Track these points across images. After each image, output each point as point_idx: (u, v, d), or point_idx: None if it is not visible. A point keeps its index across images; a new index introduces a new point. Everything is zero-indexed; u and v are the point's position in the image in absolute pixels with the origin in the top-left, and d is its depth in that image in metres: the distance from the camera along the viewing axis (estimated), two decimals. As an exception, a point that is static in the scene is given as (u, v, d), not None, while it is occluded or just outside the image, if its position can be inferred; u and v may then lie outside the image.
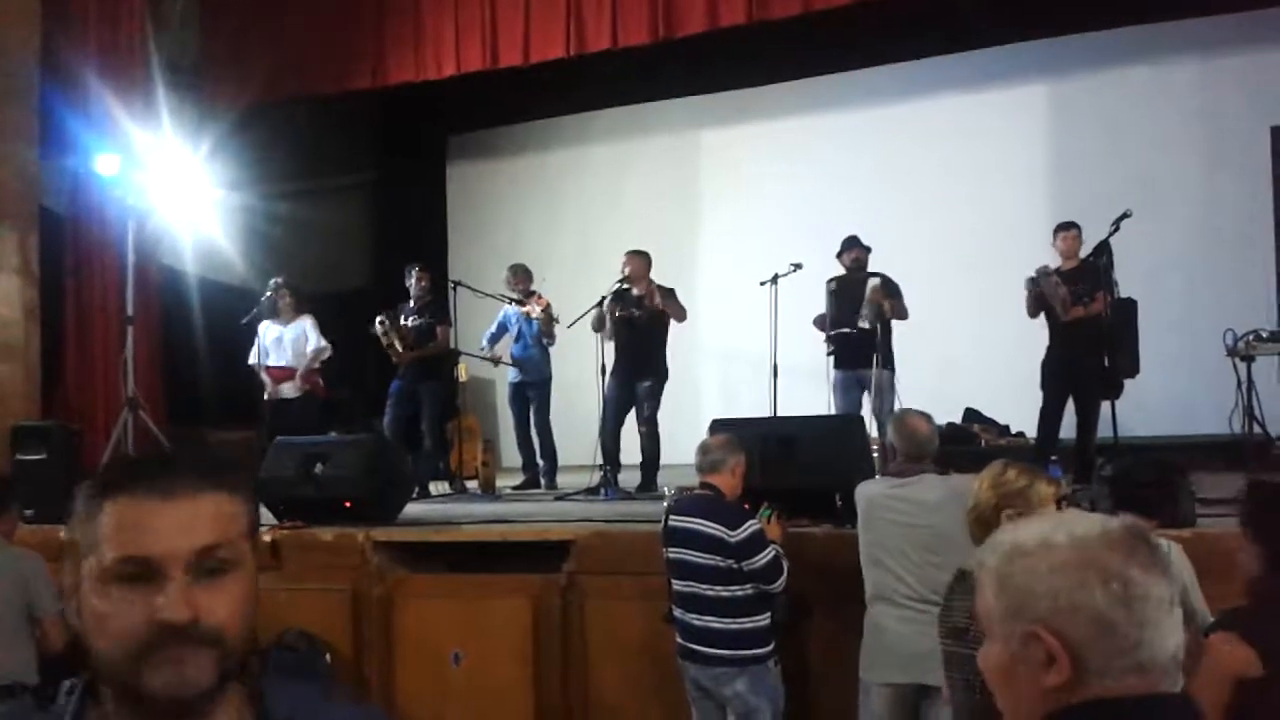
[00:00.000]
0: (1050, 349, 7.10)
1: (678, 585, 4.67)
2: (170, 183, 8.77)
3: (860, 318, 7.39)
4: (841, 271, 7.83)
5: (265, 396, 8.53)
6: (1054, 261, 7.11)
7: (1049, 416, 7.02)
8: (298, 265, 10.01)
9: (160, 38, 9.73)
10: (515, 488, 8.54)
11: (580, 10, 9.05)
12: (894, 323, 7.46)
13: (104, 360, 9.00)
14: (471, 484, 8.53)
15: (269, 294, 8.65)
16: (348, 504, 6.30)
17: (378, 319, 8.35)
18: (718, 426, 5.87)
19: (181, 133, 9.27)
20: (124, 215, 8.55)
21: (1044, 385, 7.07)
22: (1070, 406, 6.95)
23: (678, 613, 4.68)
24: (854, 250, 7.74)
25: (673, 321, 8.00)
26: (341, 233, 11.78)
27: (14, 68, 8.81)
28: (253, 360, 8.64)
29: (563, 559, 5.71)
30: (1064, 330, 6.96)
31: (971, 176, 9.76)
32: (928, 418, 4.51)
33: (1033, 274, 7.03)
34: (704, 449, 4.78)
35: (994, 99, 9.87)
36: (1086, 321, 6.83)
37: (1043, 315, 7.08)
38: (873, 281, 7.44)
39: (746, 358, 9.50)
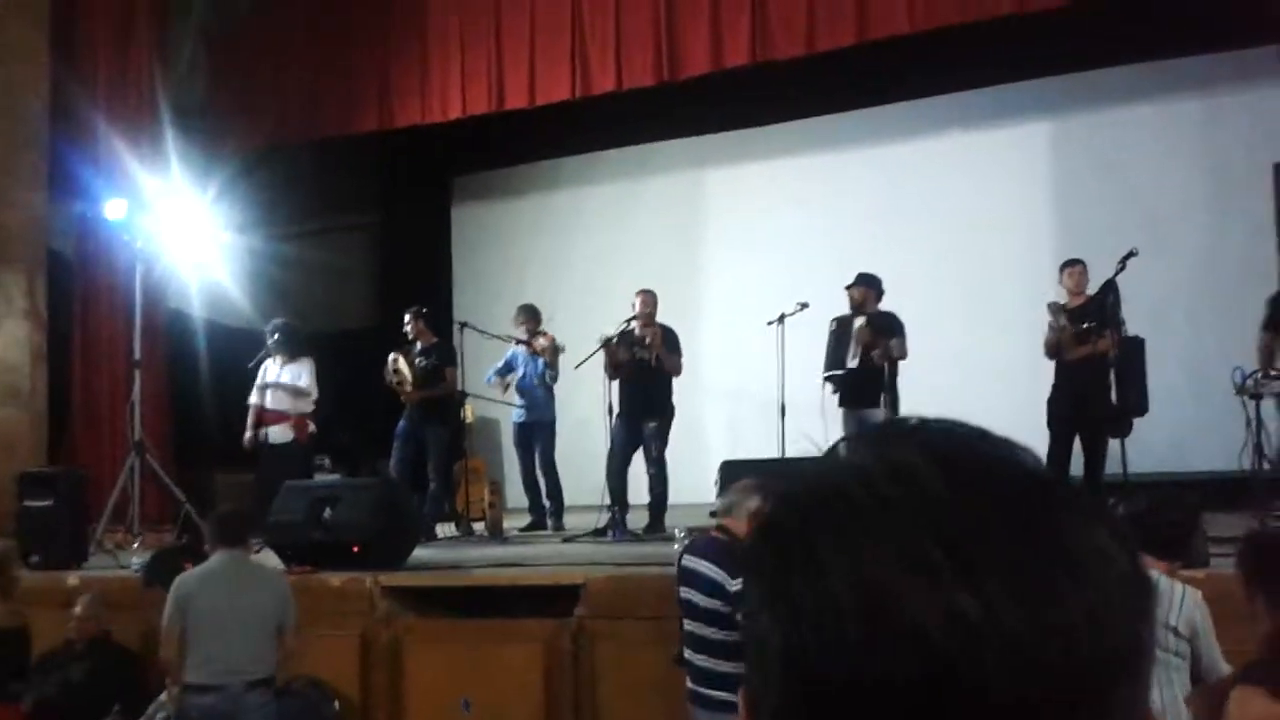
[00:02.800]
0: (1056, 387, 7.08)
1: (688, 625, 4.64)
2: (177, 226, 8.81)
3: (849, 356, 7.38)
4: (847, 309, 7.83)
5: (247, 435, 8.51)
6: (1060, 298, 7.12)
7: (1058, 457, 6.97)
8: (303, 306, 10.06)
9: (168, 82, 9.81)
10: (522, 529, 8.51)
11: (585, 53, 9.14)
12: (900, 361, 7.45)
13: (110, 404, 9.02)
14: (478, 526, 8.51)
15: (268, 335, 8.67)
16: (356, 548, 6.28)
17: (390, 357, 8.36)
18: (727, 468, 5.87)
19: (188, 176, 9.32)
20: (132, 259, 8.58)
21: (1050, 424, 7.03)
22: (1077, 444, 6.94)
23: (687, 654, 4.64)
24: (857, 288, 7.73)
25: (677, 362, 8.01)
26: (347, 274, 11.83)
27: (22, 112, 8.90)
28: (252, 400, 8.64)
29: (573, 603, 5.68)
30: (1070, 369, 6.96)
31: (975, 214, 9.79)
32: None
33: (1049, 312, 7.02)
34: (725, 491, 4.75)
35: (997, 137, 9.92)
36: (1093, 359, 6.85)
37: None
38: (858, 322, 7.44)
39: (752, 397, 9.50)
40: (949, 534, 0.53)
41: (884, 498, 0.55)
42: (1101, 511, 0.57)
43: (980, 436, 0.60)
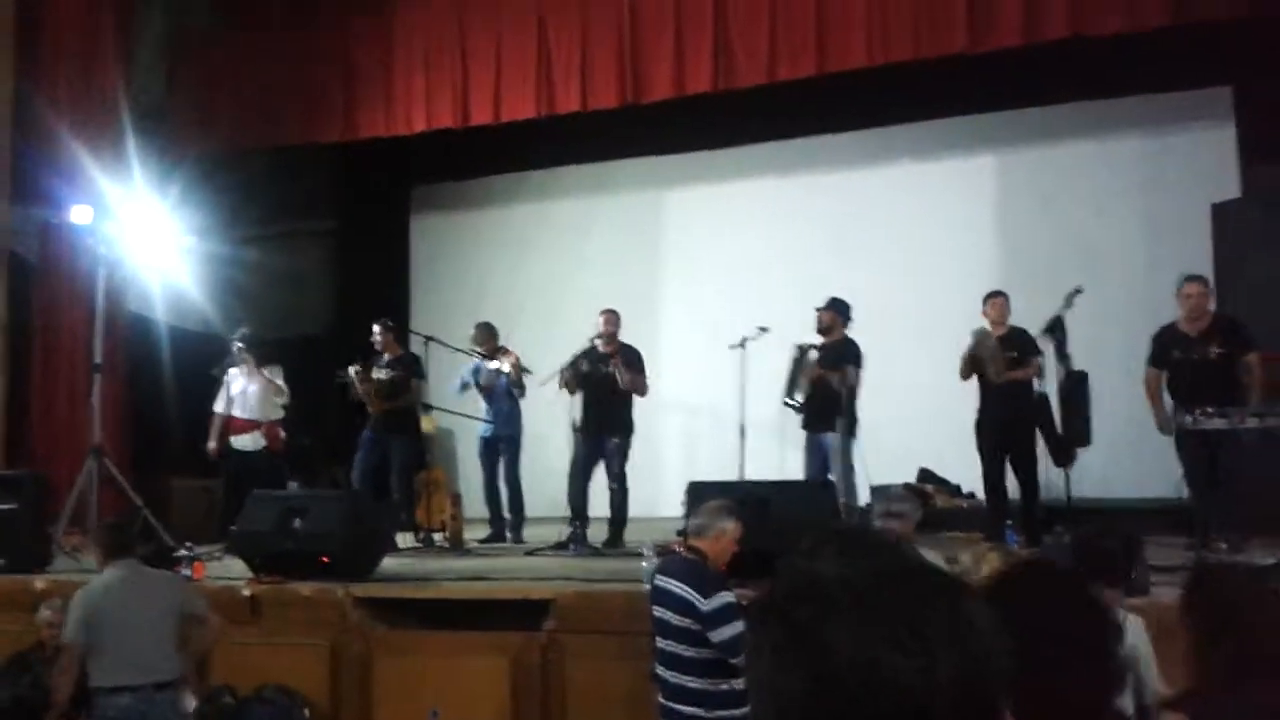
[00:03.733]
0: (982, 411, 7.39)
1: (660, 643, 4.82)
2: (139, 231, 8.81)
3: (797, 389, 7.60)
4: (807, 334, 8.02)
5: (211, 444, 8.57)
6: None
7: (992, 478, 7.32)
8: (262, 312, 10.09)
9: (130, 88, 9.80)
10: (482, 541, 8.63)
11: (550, 73, 9.31)
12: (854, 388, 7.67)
13: (69, 408, 8.99)
14: (438, 536, 8.62)
15: (233, 344, 8.74)
16: (325, 559, 6.38)
17: (351, 368, 8.46)
18: (695, 489, 6.06)
19: (150, 181, 9.33)
20: (94, 263, 8.57)
21: (980, 448, 7.38)
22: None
23: (659, 670, 4.83)
24: (826, 311, 7.86)
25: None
26: (305, 280, 11.85)
27: (-15, 114, 8.85)
28: (218, 408, 8.69)
29: (541, 617, 5.84)
30: (996, 392, 7.27)
31: (924, 241, 10.12)
32: (904, 486, 4.76)
33: (970, 337, 7.36)
34: (696, 513, 4.92)
35: (946, 167, 10.27)
36: (1018, 384, 7.19)
37: (975, 378, 7.39)
38: (811, 355, 7.62)
39: (709, 416, 9.74)
40: (908, 622, 0.87)
41: (858, 595, 0.89)
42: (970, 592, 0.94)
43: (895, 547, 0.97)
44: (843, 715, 0.86)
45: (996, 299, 7.51)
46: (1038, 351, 7.13)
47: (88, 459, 8.14)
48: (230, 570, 6.92)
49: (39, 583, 6.66)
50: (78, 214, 8.44)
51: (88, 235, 8.55)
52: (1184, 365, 6.61)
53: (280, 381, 8.71)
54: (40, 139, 9.14)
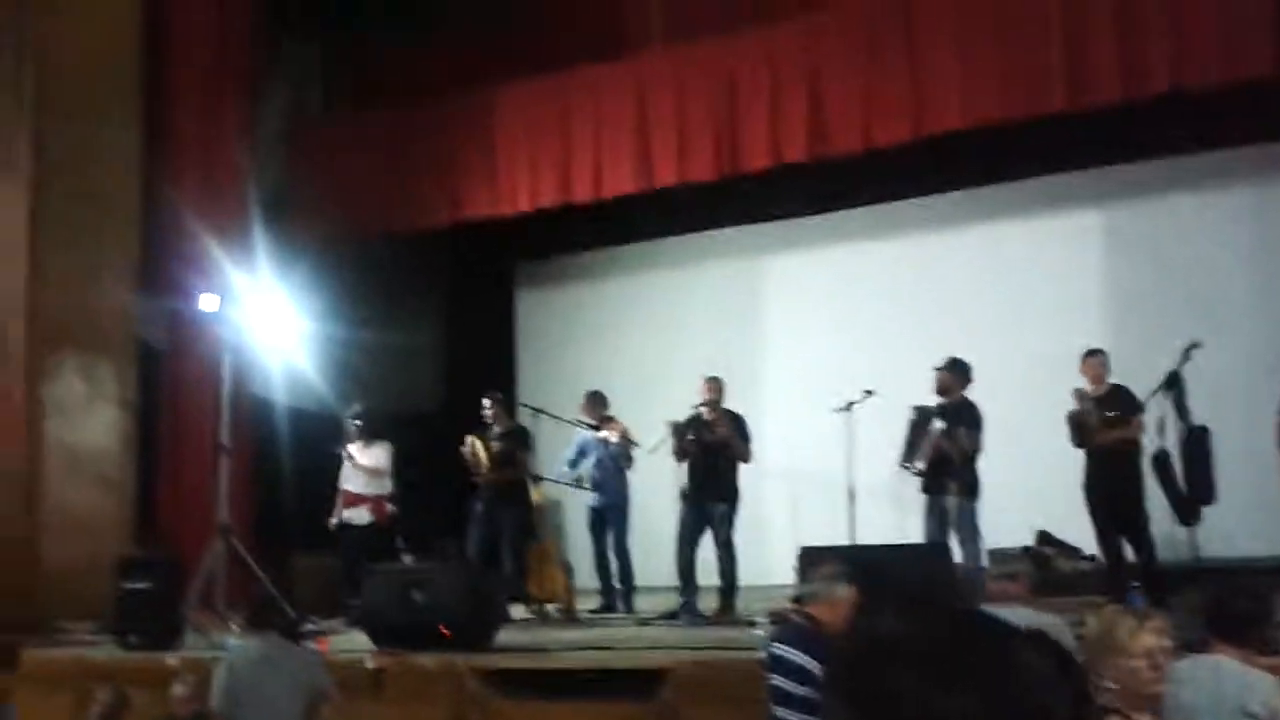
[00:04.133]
0: (1087, 473, 7.26)
1: (777, 712, 4.80)
2: (262, 316, 9.19)
3: (919, 457, 7.52)
4: (928, 397, 7.91)
5: (333, 520, 8.83)
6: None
7: (1106, 541, 7.15)
8: (376, 390, 10.38)
9: (252, 175, 10.29)
10: (593, 611, 8.69)
11: (649, 148, 9.51)
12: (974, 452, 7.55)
13: (196, 489, 9.33)
14: (551, 607, 8.70)
15: (349, 420, 9.02)
16: (445, 629, 6.50)
17: (468, 439, 8.66)
18: (807, 554, 6.06)
19: (272, 267, 9.75)
20: (219, 348, 8.95)
21: (1091, 512, 7.24)
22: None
23: (777, 740, 4.80)
24: (944, 371, 7.75)
25: (743, 444, 8.21)
26: (416, 358, 12.17)
27: (115, 209, 9.36)
28: (342, 484, 8.95)
29: (657, 686, 5.86)
30: (1099, 454, 7.15)
31: (1030, 302, 9.99)
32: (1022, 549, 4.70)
33: (1073, 402, 7.23)
34: (809, 578, 4.92)
35: (1049, 226, 10.15)
36: (1122, 444, 7.05)
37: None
38: (936, 425, 7.50)
39: (814, 481, 9.68)
40: (962, 667, 0.96)
41: (916, 647, 0.98)
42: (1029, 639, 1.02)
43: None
44: None
45: (1093, 358, 7.38)
46: (1140, 409, 6.97)
47: (215, 538, 8.44)
48: (353, 643, 7.09)
49: (171, 660, 6.90)
50: (205, 301, 8.85)
51: (214, 321, 8.95)
52: None
53: (385, 461, 8.91)
54: (167, 229, 9.63)
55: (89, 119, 9.17)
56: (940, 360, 7.83)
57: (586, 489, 8.91)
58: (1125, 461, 7.04)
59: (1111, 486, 7.06)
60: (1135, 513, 6.99)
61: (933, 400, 7.71)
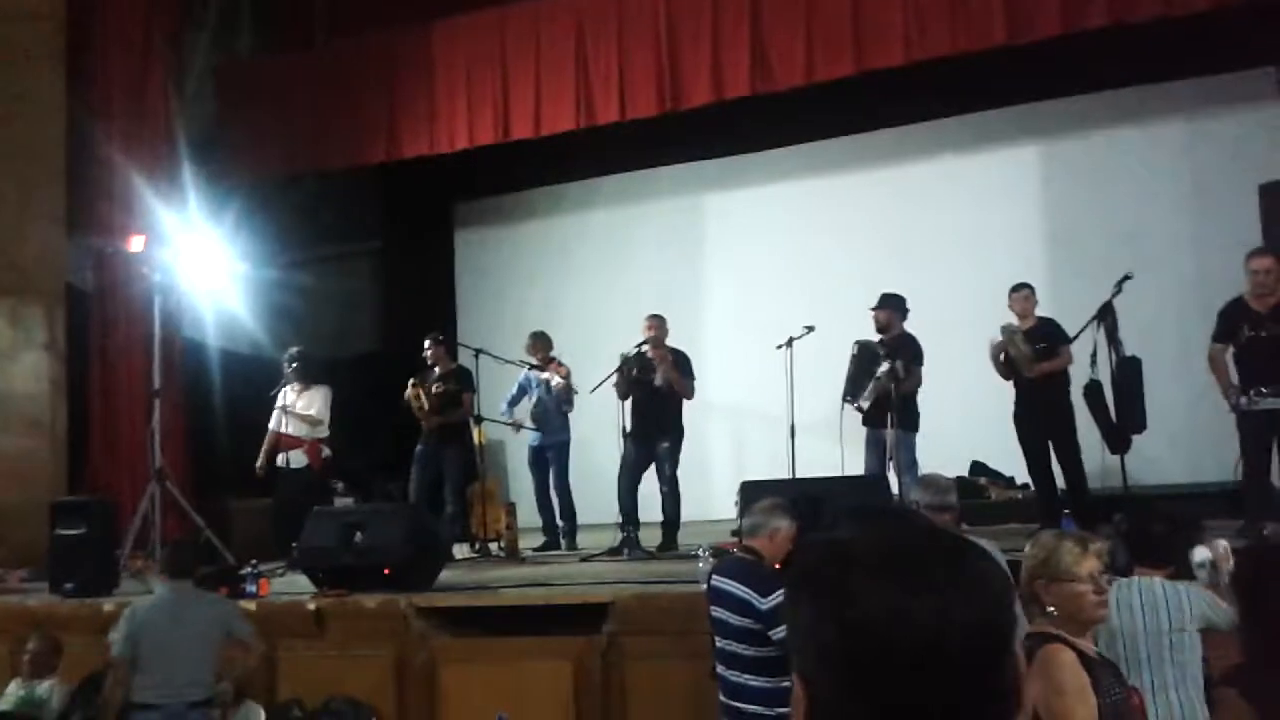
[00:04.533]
0: (1018, 404, 7.39)
1: (719, 643, 4.84)
2: (192, 257, 8.99)
3: (864, 396, 7.57)
4: (869, 331, 7.96)
5: (259, 464, 8.72)
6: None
7: (1037, 470, 7.30)
8: (312, 333, 10.26)
9: (181, 114, 10.02)
10: (536, 549, 8.71)
11: (589, 84, 9.37)
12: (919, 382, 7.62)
13: (129, 433, 9.18)
14: (494, 546, 8.71)
15: (286, 363, 8.88)
16: (386, 571, 6.48)
17: (410, 381, 8.58)
18: (747, 488, 6.10)
19: (202, 207, 9.53)
20: (149, 291, 8.76)
21: (1021, 441, 7.38)
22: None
23: (719, 669, 4.85)
24: (882, 310, 7.84)
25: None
26: (354, 300, 12.03)
27: (40, 150, 9.09)
28: (271, 425, 8.83)
29: (601, 620, 5.90)
30: (1029, 385, 7.27)
31: (969, 235, 10.08)
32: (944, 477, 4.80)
33: (998, 336, 7.32)
34: (749, 512, 4.94)
35: (988, 160, 10.23)
36: (1052, 376, 7.17)
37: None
38: (884, 367, 7.52)
39: (757, 417, 9.75)
40: (921, 572, 1.01)
41: (876, 553, 1.03)
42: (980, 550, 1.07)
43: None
44: (871, 653, 0.99)
45: (1019, 292, 7.48)
46: (1067, 340, 7.09)
47: (150, 483, 8.32)
48: (294, 586, 7.04)
49: (108, 605, 6.81)
50: (133, 243, 8.64)
51: (142, 263, 8.75)
52: (1254, 342, 6.44)
53: (320, 405, 8.77)
54: (95, 168, 9.37)
55: (13, 62, 8.87)
56: (875, 300, 7.87)
57: (528, 428, 8.89)
58: (1055, 391, 7.15)
59: (1042, 417, 7.19)
60: (1066, 442, 7.12)
61: (874, 337, 7.76)
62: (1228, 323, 6.58)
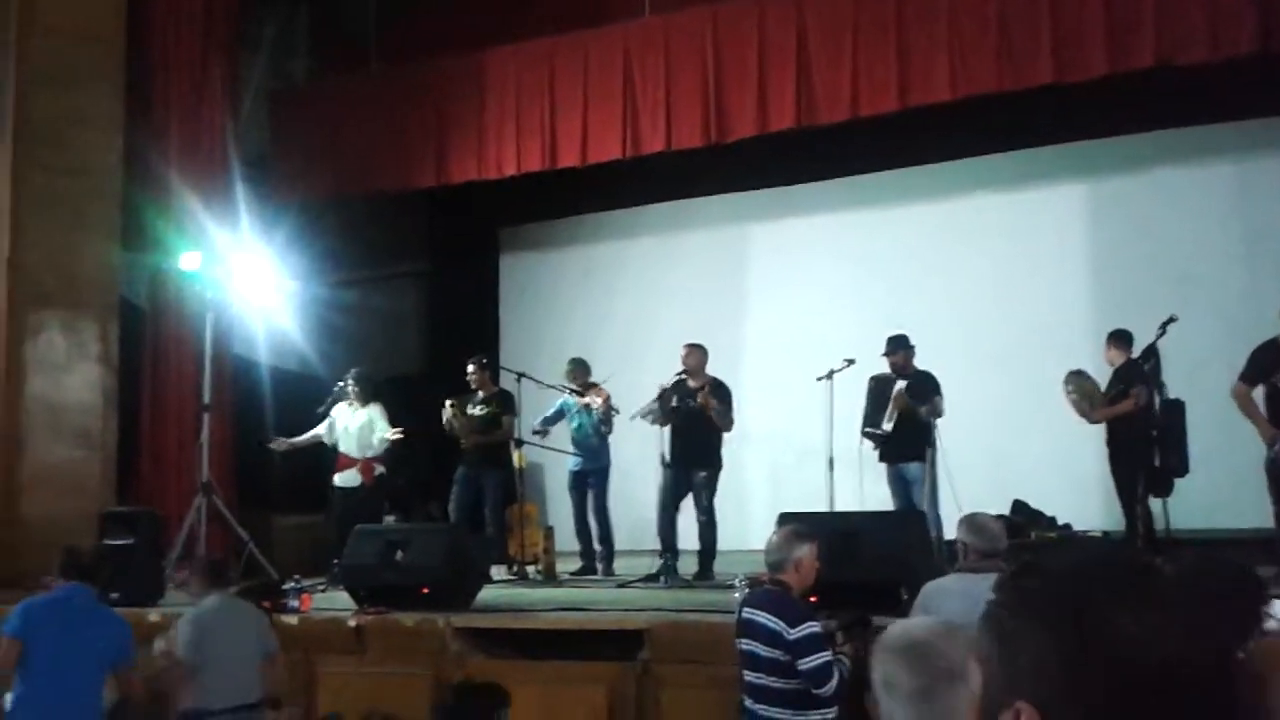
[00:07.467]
0: (1109, 445, 7.52)
1: (748, 676, 4.85)
2: (244, 275, 9.18)
3: (885, 419, 7.63)
4: (885, 369, 8.07)
5: (279, 439, 8.88)
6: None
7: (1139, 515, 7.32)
8: (358, 352, 10.40)
9: (236, 135, 10.24)
10: (573, 573, 8.77)
11: (636, 115, 9.49)
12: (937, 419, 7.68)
13: (176, 446, 9.35)
14: (531, 569, 8.78)
15: (342, 383, 8.98)
16: (426, 590, 6.57)
17: (448, 403, 8.68)
18: (785, 520, 6.12)
19: (254, 227, 9.73)
20: (202, 307, 8.96)
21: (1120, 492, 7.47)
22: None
23: (748, 703, 4.85)
24: (895, 353, 7.98)
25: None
26: (399, 321, 12.18)
27: (97, 167, 9.30)
28: (328, 440, 8.94)
29: (636, 647, 5.94)
30: (1111, 431, 7.38)
31: (1014, 273, 10.06)
32: (996, 517, 4.77)
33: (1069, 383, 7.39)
34: (768, 548, 4.89)
35: (1035, 197, 10.21)
36: (1127, 420, 7.18)
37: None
38: (898, 386, 7.64)
39: (795, 449, 9.76)
40: (1163, 596, 1.04)
41: (1124, 580, 1.06)
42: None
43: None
44: (1128, 678, 1.01)
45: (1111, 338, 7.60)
46: (1155, 387, 7.12)
47: (197, 496, 8.48)
48: (334, 602, 7.15)
49: (153, 615, 6.93)
50: (187, 260, 8.83)
51: (195, 281, 8.94)
52: None
53: (381, 424, 8.89)
54: (150, 187, 9.59)
55: (72, 81, 9.11)
56: (883, 347, 7.99)
57: (568, 453, 8.96)
58: (1123, 433, 7.20)
59: (1112, 456, 7.29)
60: (1126, 483, 7.15)
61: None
62: (1257, 366, 6.56)
